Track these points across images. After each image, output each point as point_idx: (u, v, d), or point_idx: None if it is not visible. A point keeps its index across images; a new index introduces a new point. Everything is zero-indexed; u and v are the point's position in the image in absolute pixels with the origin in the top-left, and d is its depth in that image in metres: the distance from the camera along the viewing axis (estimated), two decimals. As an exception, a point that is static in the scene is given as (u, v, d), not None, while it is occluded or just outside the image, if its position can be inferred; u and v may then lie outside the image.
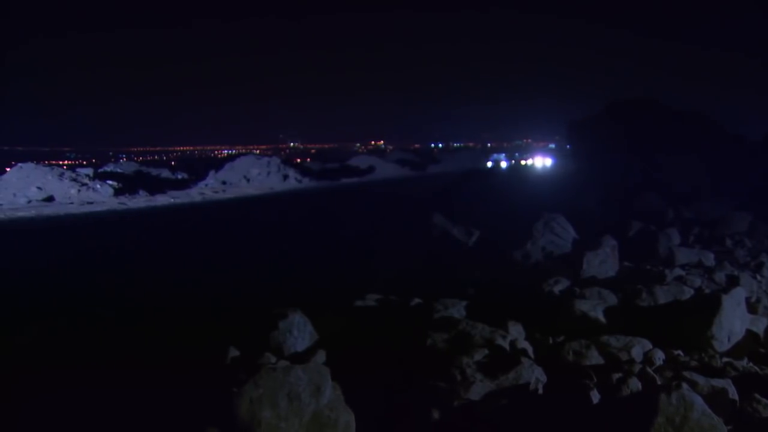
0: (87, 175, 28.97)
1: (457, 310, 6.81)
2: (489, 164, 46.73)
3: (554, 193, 11.84)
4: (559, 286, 7.96)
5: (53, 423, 4.44)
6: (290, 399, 4.30)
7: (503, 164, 45.51)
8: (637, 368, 5.40)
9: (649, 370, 5.37)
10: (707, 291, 7.80)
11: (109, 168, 38.48)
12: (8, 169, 28.17)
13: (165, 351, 5.86)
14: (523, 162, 49.29)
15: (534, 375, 5.18)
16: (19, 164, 27.61)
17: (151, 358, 5.65)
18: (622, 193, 11.56)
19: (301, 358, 5.52)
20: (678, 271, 8.99)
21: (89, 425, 4.34)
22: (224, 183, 33.33)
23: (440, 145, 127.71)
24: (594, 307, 6.88)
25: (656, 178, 13.41)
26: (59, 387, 4.91)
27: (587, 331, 6.37)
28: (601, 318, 6.76)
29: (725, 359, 5.78)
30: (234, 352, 5.46)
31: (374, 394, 5.04)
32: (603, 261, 8.86)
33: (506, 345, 5.84)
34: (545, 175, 32.69)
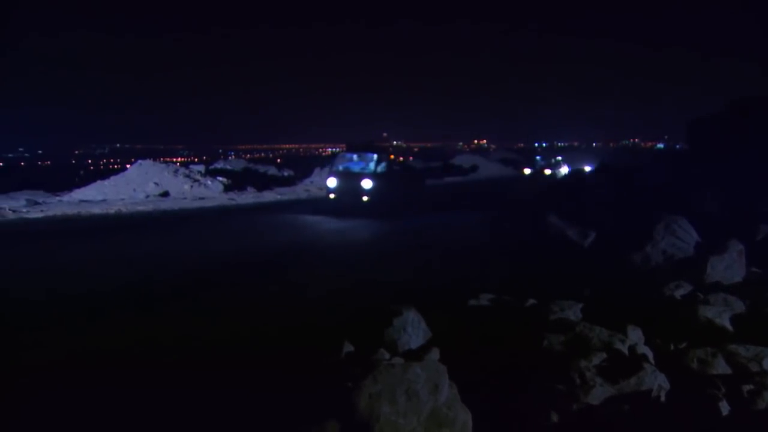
0: (199, 172, 30.07)
1: (573, 312, 6.66)
2: (330, 184, 19.36)
3: (673, 194, 11.35)
4: (681, 290, 7.62)
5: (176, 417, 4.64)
6: (408, 396, 4.34)
7: (366, 185, 18.72)
8: (771, 381, 5.10)
9: (785, 383, 5.06)
10: None
11: (219, 165, 39.75)
12: (129, 166, 29.74)
13: (283, 345, 6.04)
14: (547, 171, 39.79)
15: (657, 382, 5.02)
16: (139, 161, 29.03)
17: (269, 353, 5.83)
18: (750, 195, 10.90)
19: (415, 355, 5.52)
20: (815, 280, 8.41)
21: (216, 420, 4.51)
22: (330, 180, 33.73)
23: (544, 144, 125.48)
24: (720, 313, 6.56)
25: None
26: (183, 385, 5.13)
27: (712, 338, 6.07)
28: (728, 326, 6.44)
29: None
30: (348, 348, 5.53)
31: (489, 394, 5.02)
32: (729, 266, 8.40)
33: (625, 349, 5.67)
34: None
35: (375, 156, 19.22)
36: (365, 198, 18.33)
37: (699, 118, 15.22)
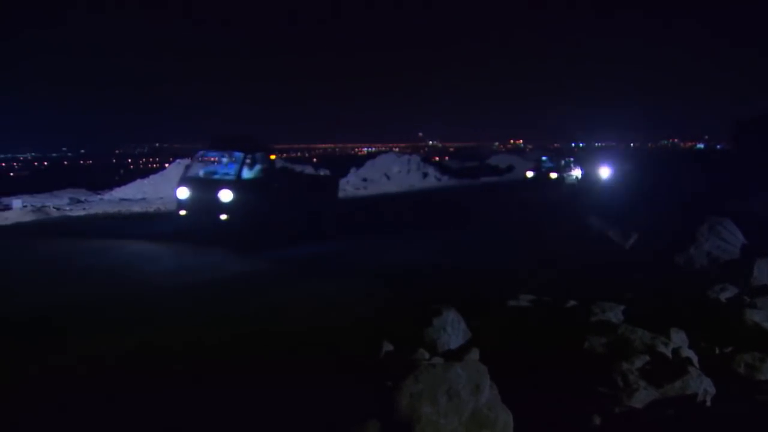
0: (236, 170, 30.19)
1: (615, 314, 6.55)
2: (179, 195, 13.80)
3: (718, 195, 11.13)
4: (726, 293, 7.43)
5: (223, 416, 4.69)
6: (450, 396, 4.32)
7: (225, 197, 12.94)
8: (823, 388, 4.97)
9: (839, 390, 4.92)
10: None
11: (256, 163, 39.79)
12: (168, 165, 30.13)
13: (324, 344, 6.07)
14: (553, 175, 34.44)
15: (702, 386, 4.92)
16: (178, 160, 29.36)
17: (310, 352, 5.86)
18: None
19: (455, 355, 5.51)
20: None
21: (260, 418, 4.54)
22: (365, 180, 33.88)
23: (581, 144, 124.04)
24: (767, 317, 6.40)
25: None
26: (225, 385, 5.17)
27: (760, 343, 5.93)
28: (777, 330, 6.27)
29: None
30: (388, 347, 5.53)
31: (530, 395, 4.97)
32: (777, 268, 8.20)
33: (668, 353, 5.56)
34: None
35: (241, 156, 13.61)
36: (223, 216, 13.00)
37: (749, 118, 14.91)
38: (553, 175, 34.36)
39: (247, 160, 13.50)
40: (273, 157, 15.12)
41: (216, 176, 13.78)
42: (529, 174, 36.55)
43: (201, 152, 14.92)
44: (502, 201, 24.20)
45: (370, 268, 10.19)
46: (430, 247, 12.25)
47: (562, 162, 36.78)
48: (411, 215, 18.86)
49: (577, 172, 35.24)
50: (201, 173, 14.13)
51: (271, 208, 13.62)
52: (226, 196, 12.90)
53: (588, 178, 33.31)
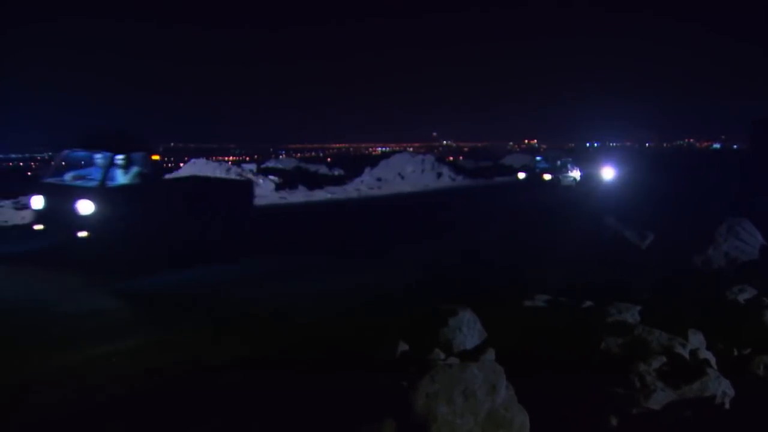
0: (251, 170, 30.45)
1: (632, 314, 6.50)
2: (34, 205, 11.10)
3: (736, 195, 11.04)
4: (745, 294, 7.35)
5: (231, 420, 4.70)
6: (466, 396, 4.32)
7: (84, 209, 10.21)
8: None
9: None
10: None
11: (270, 163, 40.08)
12: (182, 165, 30.39)
13: (339, 344, 6.08)
14: (546, 176, 32.46)
15: (721, 388, 4.89)
16: (192, 159, 29.64)
17: (326, 351, 5.88)
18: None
19: (471, 355, 5.48)
20: None
21: (276, 417, 4.55)
22: (379, 180, 33.88)
23: (596, 144, 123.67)
24: (787, 319, 6.32)
25: None
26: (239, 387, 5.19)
27: (779, 344, 5.89)
28: (796, 332, 6.21)
29: None
30: (403, 347, 5.53)
31: (546, 396, 4.96)
32: (796, 270, 8.13)
33: (686, 354, 5.52)
34: None
35: (109, 157, 10.91)
36: (82, 233, 10.26)
37: (765, 116, 14.74)
38: (547, 177, 32.54)
39: (117, 162, 11.01)
40: (156, 158, 12.34)
41: (76, 183, 11.10)
42: (521, 175, 35.21)
43: (65, 152, 11.86)
44: (516, 200, 24.19)
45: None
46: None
47: (558, 162, 34.49)
48: (411, 216, 18.72)
49: (575, 173, 32.62)
50: (61, 178, 11.39)
51: (150, 223, 11.06)
52: (85, 207, 10.30)
53: (589, 179, 30.81)
